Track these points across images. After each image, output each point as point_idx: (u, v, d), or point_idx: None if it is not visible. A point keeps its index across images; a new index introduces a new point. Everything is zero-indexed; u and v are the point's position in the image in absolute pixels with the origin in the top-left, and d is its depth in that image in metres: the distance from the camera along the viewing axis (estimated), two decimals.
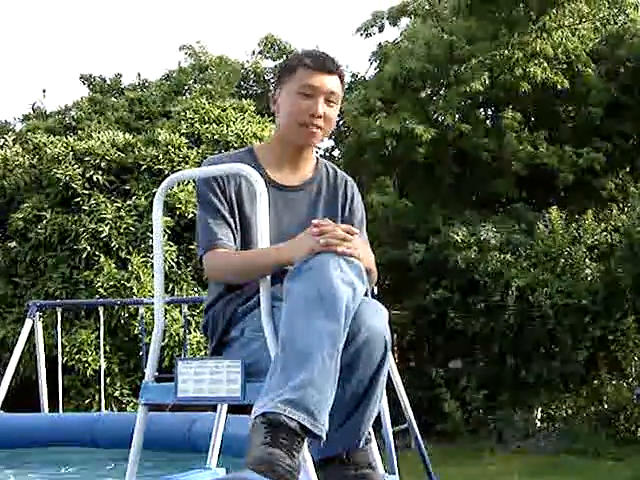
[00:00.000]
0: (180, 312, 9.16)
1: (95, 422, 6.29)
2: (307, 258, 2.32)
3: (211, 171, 2.62)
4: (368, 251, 2.63)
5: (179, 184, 10.61)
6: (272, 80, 16.84)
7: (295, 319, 2.24)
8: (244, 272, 2.51)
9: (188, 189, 10.41)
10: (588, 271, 11.11)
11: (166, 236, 10.39)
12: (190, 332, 9.75)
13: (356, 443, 2.55)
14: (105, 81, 16.34)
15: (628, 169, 13.43)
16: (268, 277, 2.43)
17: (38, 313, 7.39)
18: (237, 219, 2.64)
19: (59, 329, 7.74)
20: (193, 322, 9.87)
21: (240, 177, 2.65)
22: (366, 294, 2.41)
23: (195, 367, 2.48)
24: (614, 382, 11.42)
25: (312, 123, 2.67)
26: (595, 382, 11.59)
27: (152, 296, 9.94)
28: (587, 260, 11.22)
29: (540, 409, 11.88)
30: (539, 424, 11.74)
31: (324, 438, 2.22)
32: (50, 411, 7.58)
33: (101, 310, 7.88)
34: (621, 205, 13.11)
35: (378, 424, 2.61)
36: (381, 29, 15.11)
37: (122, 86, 16.24)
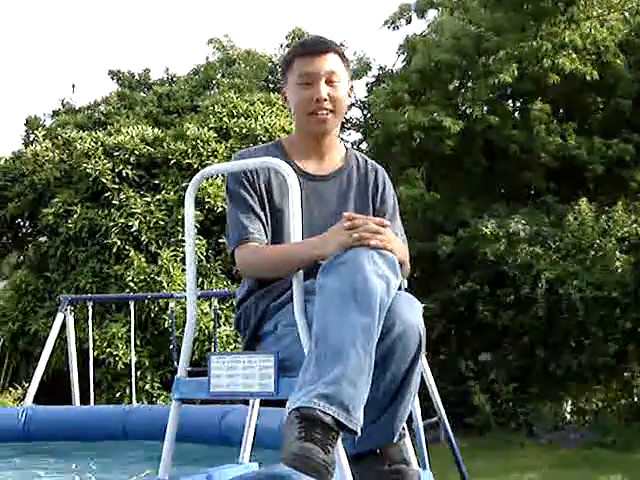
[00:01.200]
0: (210, 306, 9.21)
1: (127, 415, 6.32)
2: (340, 252, 2.31)
3: (242, 164, 2.62)
4: (401, 243, 2.60)
5: (208, 178, 10.66)
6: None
7: (329, 313, 2.23)
8: (276, 267, 2.51)
9: (217, 183, 10.44)
10: (618, 263, 11.02)
11: (196, 230, 10.39)
12: (220, 326, 9.78)
13: (390, 438, 2.54)
14: (134, 76, 16.41)
15: None
16: (300, 272, 2.43)
17: (69, 307, 7.46)
18: (267, 212, 2.64)
19: (90, 323, 7.80)
20: (223, 316, 9.92)
21: (269, 170, 2.65)
22: (400, 287, 2.40)
23: (228, 362, 2.49)
24: None
25: (319, 108, 2.67)
26: (625, 375, 11.52)
27: (182, 290, 10.04)
28: (617, 252, 11.14)
29: (570, 402, 11.83)
30: (569, 417, 11.69)
31: (359, 433, 2.21)
32: (81, 404, 7.65)
33: (132, 304, 7.93)
34: None
35: (409, 418, 2.61)
36: (408, 21, 15.04)
37: (150, 81, 16.32)
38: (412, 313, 2.40)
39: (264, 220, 2.62)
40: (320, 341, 2.22)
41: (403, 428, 2.58)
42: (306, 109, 2.68)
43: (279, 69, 16.86)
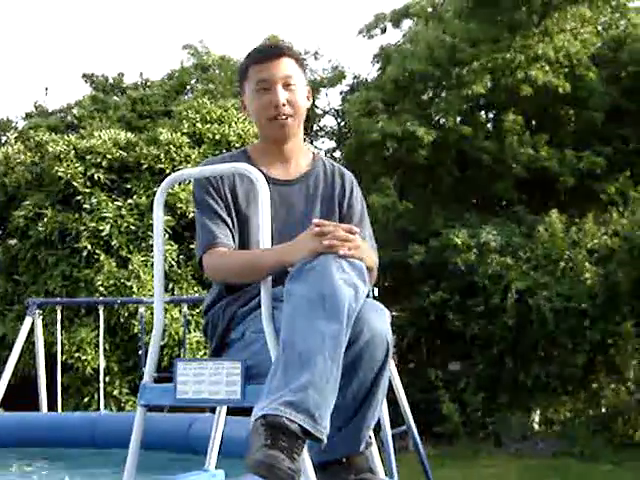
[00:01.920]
0: (180, 311, 9.17)
1: (95, 422, 6.28)
2: (308, 259, 2.31)
3: (211, 170, 2.61)
4: (369, 248, 2.59)
5: (180, 183, 10.62)
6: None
7: (296, 320, 2.22)
8: (244, 272, 2.49)
9: (189, 188, 10.41)
10: (588, 275, 11.09)
11: (167, 235, 10.38)
12: (189, 332, 9.75)
13: (357, 447, 2.53)
14: (107, 80, 16.35)
15: (628, 173, 13.41)
16: (269, 278, 2.42)
17: (38, 311, 7.40)
18: (234, 218, 2.63)
19: (59, 327, 7.74)
20: (193, 322, 9.88)
21: (234, 176, 2.65)
22: (368, 295, 2.40)
23: (194, 368, 2.47)
24: (612, 386, 11.43)
25: (279, 113, 2.66)
26: (594, 386, 11.59)
27: (152, 295, 9.98)
28: (587, 264, 11.21)
29: (538, 412, 11.88)
30: (537, 427, 11.74)
31: (325, 441, 2.20)
32: (49, 409, 7.59)
33: (101, 309, 7.88)
34: (621, 209, 13.09)
35: (377, 426, 2.60)
36: (383, 31, 15.13)
37: (124, 85, 16.26)
38: (380, 321, 2.40)
39: (231, 225, 2.62)
40: (287, 348, 2.21)
41: (370, 437, 2.57)
42: (266, 115, 2.68)
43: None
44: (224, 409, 2.95)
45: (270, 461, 2.06)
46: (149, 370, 2.59)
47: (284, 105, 2.66)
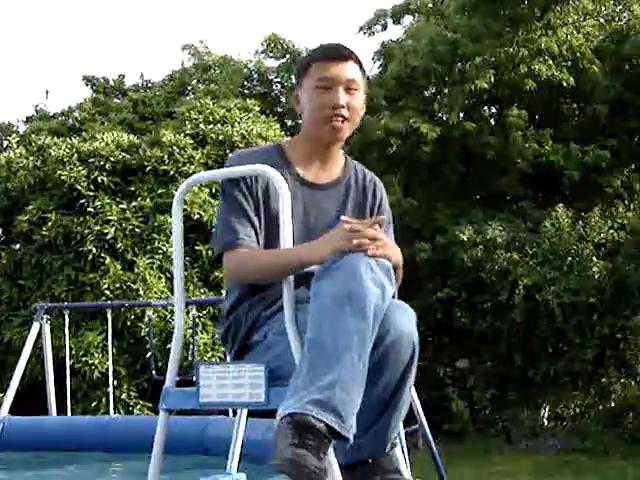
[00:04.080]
0: (187, 313, 9.12)
1: (106, 425, 6.24)
2: (336, 258, 2.27)
3: (233, 172, 2.57)
4: (395, 248, 2.55)
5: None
6: (276, 80, 16.81)
7: (324, 319, 2.19)
8: (267, 271, 2.45)
9: (194, 190, 10.36)
10: (595, 269, 11.06)
11: (172, 237, 10.36)
12: (197, 334, 9.70)
13: (382, 449, 2.49)
14: (108, 82, 16.30)
15: (634, 166, 13.38)
16: (291, 279, 2.38)
17: (46, 316, 7.36)
18: (262, 218, 2.57)
19: (67, 332, 7.71)
20: (200, 323, 9.83)
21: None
22: (393, 295, 2.35)
23: (217, 372, 2.43)
24: (622, 380, 11.39)
25: (336, 115, 2.59)
26: (603, 380, 11.56)
27: (158, 298, 9.92)
28: (594, 258, 11.17)
29: (548, 408, 11.84)
30: (547, 423, 11.70)
31: (351, 440, 2.17)
32: (57, 414, 7.55)
33: (109, 312, 7.85)
34: (627, 202, 13.05)
35: None
36: (384, 27, 15.07)
37: (125, 87, 16.22)
38: (406, 322, 2.37)
39: (257, 226, 2.55)
40: (314, 346, 2.18)
41: (395, 438, 2.53)
42: (322, 114, 2.60)
43: (255, 75, 16.84)
44: (245, 412, 2.91)
45: (297, 459, 2.04)
46: (171, 374, 2.55)
47: (343, 107, 2.60)
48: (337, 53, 2.65)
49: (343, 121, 2.61)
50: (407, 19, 15.40)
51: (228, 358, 2.69)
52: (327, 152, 2.69)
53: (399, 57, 13.72)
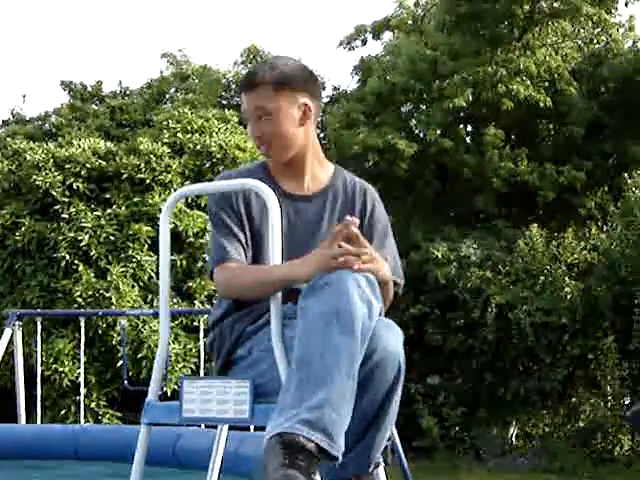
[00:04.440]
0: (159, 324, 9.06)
1: (79, 434, 6.18)
2: (323, 274, 2.26)
3: (221, 186, 2.57)
4: (384, 263, 2.50)
5: (160, 194, 10.55)
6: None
7: (311, 336, 2.17)
8: (254, 288, 2.44)
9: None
10: (567, 289, 11.10)
11: (146, 246, 10.29)
12: (169, 344, 9.65)
13: (365, 468, 2.48)
14: (86, 88, 16.22)
15: (607, 188, 13.49)
16: (279, 295, 2.37)
17: (18, 322, 7.29)
18: (247, 235, 2.57)
19: (39, 339, 7.63)
20: (172, 334, 9.78)
21: (250, 192, 2.59)
22: (380, 313, 2.34)
23: (201, 386, 2.41)
24: (591, 401, 11.44)
25: (258, 145, 2.65)
26: (573, 400, 11.60)
27: (131, 307, 9.83)
28: (566, 278, 11.22)
29: (517, 426, 11.87)
30: (516, 441, 11.73)
31: (340, 460, 2.16)
32: (27, 422, 7.47)
33: (82, 320, 7.78)
34: (600, 224, 13.15)
35: None
36: (364, 42, 15.14)
37: (103, 93, 16.15)
38: (393, 341, 2.35)
39: (243, 241, 2.56)
40: (302, 364, 2.17)
41: (379, 457, 2.52)
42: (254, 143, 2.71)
43: (233, 85, 16.83)
44: (226, 426, 2.89)
45: None
46: (154, 387, 2.53)
47: (259, 137, 2.62)
48: (246, 83, 2.66)
49: (267, 149, 2.63)
50: (387, 35, 15.48)
51: (212, 371, 2.67)
52: (296, 166, 2.68)
53: (378, 73, 13.77)
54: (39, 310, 9.33)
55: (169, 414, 2.51)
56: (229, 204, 2.58)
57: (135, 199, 10.55)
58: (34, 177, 10.59)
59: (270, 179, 2.63)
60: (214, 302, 2.75)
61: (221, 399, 2.37)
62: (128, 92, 15.92)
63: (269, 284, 2.38)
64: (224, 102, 15.61)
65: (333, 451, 2.12)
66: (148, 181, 10.63)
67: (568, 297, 11.09)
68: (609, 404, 11.26)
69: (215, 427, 2.95)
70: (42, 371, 9.27)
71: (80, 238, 10.20)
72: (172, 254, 10.35)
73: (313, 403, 2.11)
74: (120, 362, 9.72)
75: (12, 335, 7.28)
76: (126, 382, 7.54)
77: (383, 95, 13.61)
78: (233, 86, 16.80)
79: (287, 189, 2.65)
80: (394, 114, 13.66)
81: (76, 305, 9.91)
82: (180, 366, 9.83)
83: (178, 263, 10.33)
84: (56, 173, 10.63)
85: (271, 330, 2.34)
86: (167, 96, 15.11)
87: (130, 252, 10.21)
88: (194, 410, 2.40)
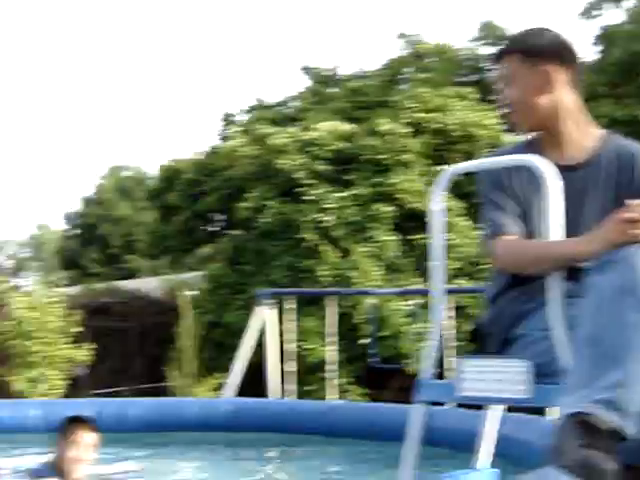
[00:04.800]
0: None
1: (331, 411, 6.32)
2: (611, 251, 2.17)
3: (497, 162, 2.53)
4: None
5: (400, 175, 10.59)
6: (490, 67, 16.54)
7: (602, 314, 2.10)
8: (537, 262, 2.38)
9: (410, 178, 10.36)
10: None
11: (387, 226, 10.38)
12: (412, 323, 9.72)
13: None
14: (325, 72, 16.50)
15: None
16: (558, 273, 2.30)
17: (270, 301, 7.53)
18: (523, 211, 2.53)
19: (295, 317, 7.87)
20: (422, 313, 9.83)
21: (516, 168, 2.53)
22: None
23: (477, 365, 2.38)
24: None
25: (504, 114, 2.78)
26: None
27: (373, 286, 9.96)
28: None
29: None
30: None
31: (637, 441, 2.09)
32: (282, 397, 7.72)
33: (335, 300, 7.95)
34: None
35: None
36: (605, 11, 14.56)
37: (341, 77, 16.38)
38: None
39: (517, 213, 2.52)
40: (593, 342, 2.10)
41: None
42: None
43: (469, 63, 16.65)
44: (500, 407, 2.85)
45: (591, 462, 1.96)
46: (426, 366, 2.52)
47: (504, 105, 2.65)
48: (495, 55, 2.74)
49: (510, 114, 2.66)
50: (630, 2, 14.78)
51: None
52: (555, 136, 2.60)
53: (621, 42, 13.19)
54: (290, 289, 9.61)
55: (443, 392, 2.52)
56: (499, 180, 2.56)
57: (374, 179, 10.67)
58: (279, 161, 10.92)
59: (538, 152, 2.56)
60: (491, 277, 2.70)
61: (498, 378, 2.33)
62: (365, 74, 16.06)
63: (551, 260, 2.32)
64: (461, 80, 15.45)
65: (629, 432, 2.05)
66: (387, 161, 10.71)
67: None
68: None
69: (466, 406, 2.92)
70: (294, 348, 9.58)
71: (324, 219, 10.42)
72: (410, 234, 10.41)
73: (607, 382, 2.04)
74: (364, 340, 9.88)
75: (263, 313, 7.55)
76: (374, 360, 7.65)
77: (625, 65, 13.04)
78: (469, 63, 16.62)
79: (552, 160, 2.56)
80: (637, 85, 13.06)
81: (319, 285, 10.15)
82: (420, 345, 9.87)
83: (419, 242, 10.36)
84: (299, 156, 10.90)
85: (550, 309, 2.28)
86: (404, 76, 15.11)
87: (371, 232, 10.33)
88: (470, 389, 2.38)
